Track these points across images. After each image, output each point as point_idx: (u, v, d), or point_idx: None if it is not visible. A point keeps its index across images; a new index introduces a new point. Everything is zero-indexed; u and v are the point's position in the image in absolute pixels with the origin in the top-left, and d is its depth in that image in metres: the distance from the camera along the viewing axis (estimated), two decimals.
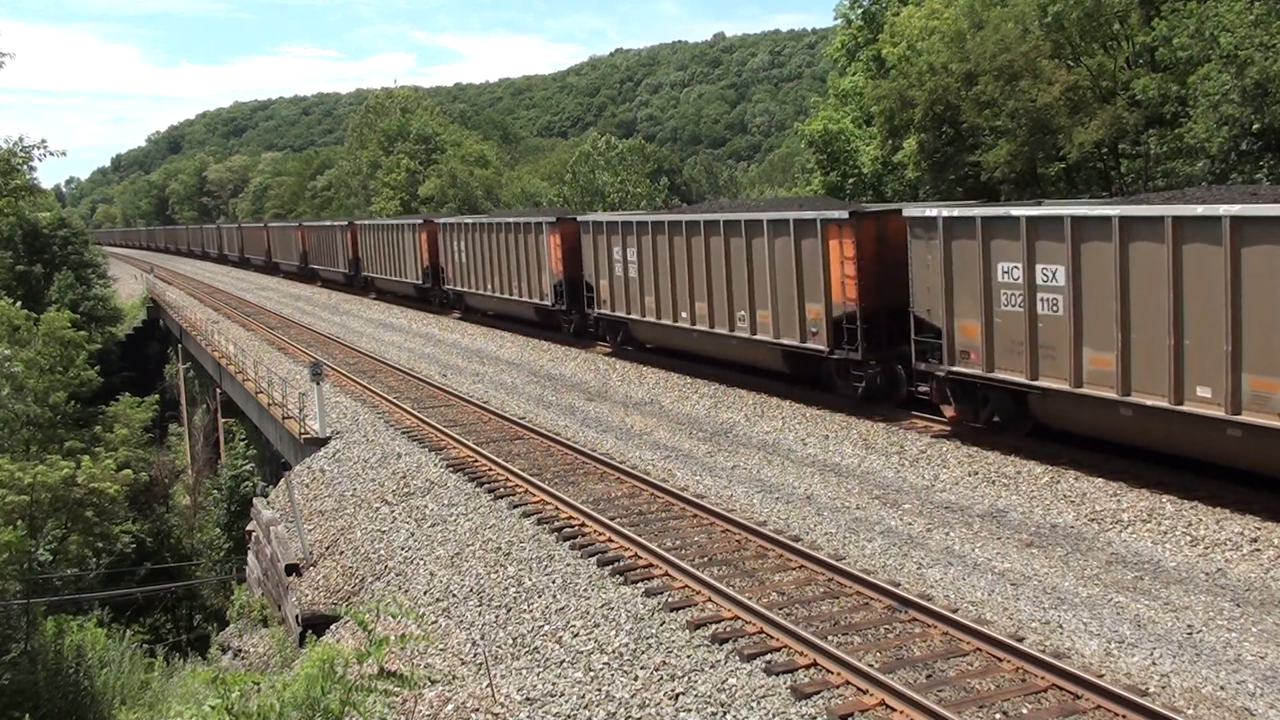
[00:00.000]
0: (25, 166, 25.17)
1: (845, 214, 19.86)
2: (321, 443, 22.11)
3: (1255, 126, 22.88)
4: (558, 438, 19.95)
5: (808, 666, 10.04)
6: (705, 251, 23.68)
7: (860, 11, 42.95)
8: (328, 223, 60.77)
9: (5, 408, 29.68)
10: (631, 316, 27.14)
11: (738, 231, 22.52)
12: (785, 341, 21.51)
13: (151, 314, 64.40)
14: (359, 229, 52.00)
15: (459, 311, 40.74)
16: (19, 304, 36.78)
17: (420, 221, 43.01)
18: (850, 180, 40.97)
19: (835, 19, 45.54)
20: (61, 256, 62.56)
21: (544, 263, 31.61)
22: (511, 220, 34.02)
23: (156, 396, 42.91)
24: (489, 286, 36.23)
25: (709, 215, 23.94)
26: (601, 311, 28.68)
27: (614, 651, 10.91)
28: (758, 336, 22.28)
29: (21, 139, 25.15)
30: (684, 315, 24.88)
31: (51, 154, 25.56)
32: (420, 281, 43.33)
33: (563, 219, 31.13)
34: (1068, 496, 14.66)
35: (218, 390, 40.98)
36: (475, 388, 26.29)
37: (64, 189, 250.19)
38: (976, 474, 16.04)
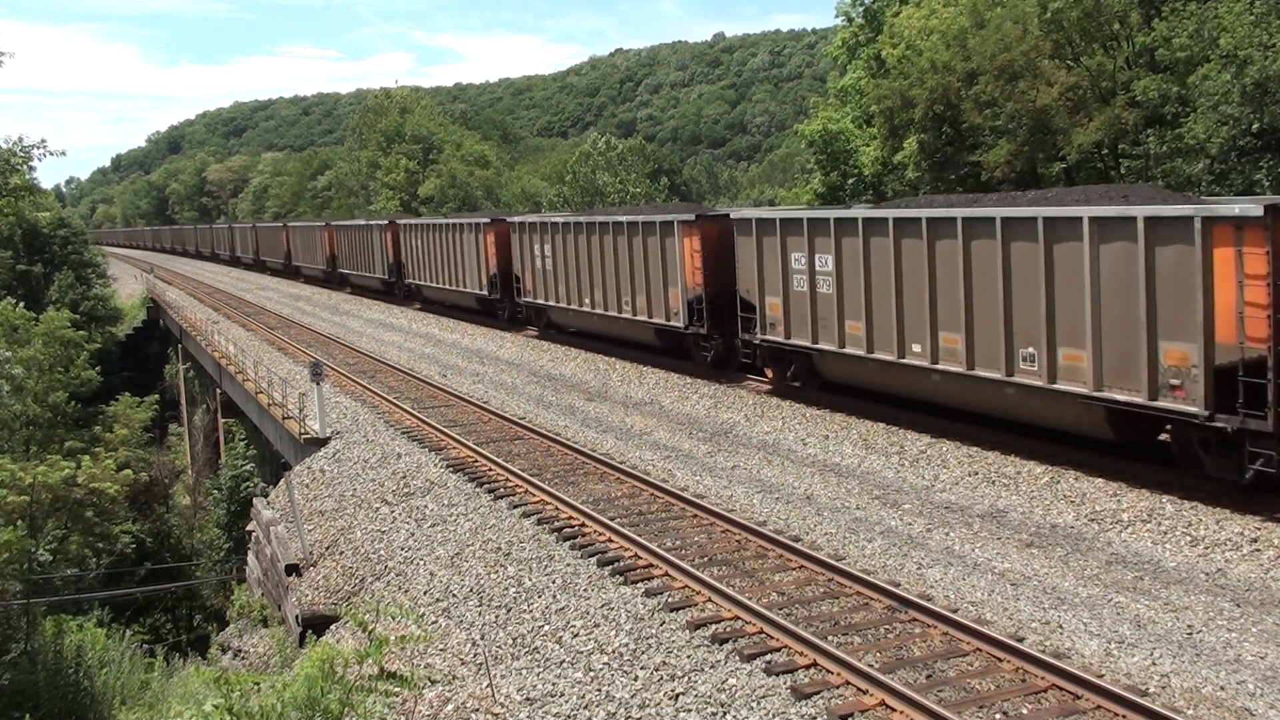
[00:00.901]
0: (25, 166, 25.12)
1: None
2: (321, 443, 22.11)
3: (1255, 126, 22.88)
4: (558, 438, 19.96)
5: (808, 667, 10.04)
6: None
7: (861, 10, 42.95)
8: (362, 222, 53.96)
9: (5, 408, 29.68)
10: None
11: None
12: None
13: (151, 314, 64.42)
14: (403, 229, 45.40)
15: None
16: (22, 305, 36.76)
17: (487, 221, 36.13)
18: (850, 180, 40.98)
19: (836, 17, 45.58)
20: (61, 256, 62.61)
21: (677, 272, 25.17)
22: (654, 219, 26.25)
23: (156, 396, 42.98)
24: (594, 301, 29.24)
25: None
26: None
27: (614, 651, 10.91)
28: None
29: (21, 139, 25.11)
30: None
31: (51, 154, 25.47)
32: (484, 291, 36.60)
33: (703, 216, 24.82)
34: (1068, 496, 14.67)
35: (218, 390, 40.99)
36: (475, 388, 26.30)
37: (64, 189, 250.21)
38: (976, 474, 16.05)
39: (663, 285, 25.51)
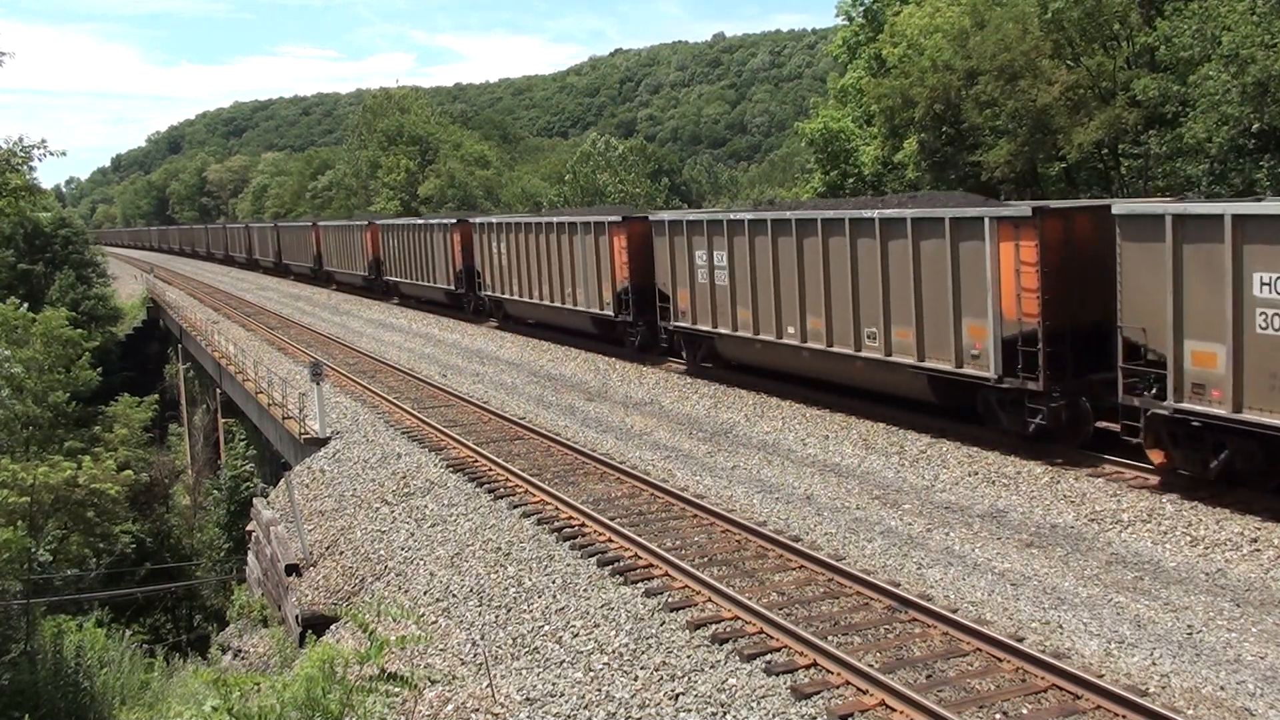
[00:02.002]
0: (25, 167, 25.08)
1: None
2: (321, 443, 22.11)
3: (1255, 126, 22.86)
4: (558, 438, 19.95)
5: (808, 667, 10.04)
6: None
7: (862, 10, 42.94)
8: (418, 221, 46.08)
9: (6, 408, 29.67)
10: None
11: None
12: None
13: (151, 314, 64.44)
14: (475, 229, 37.65)
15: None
16: (25, 305, 36.72)
17: (618, 219, 27.83)
18: (850, 180, 40.96)
19: (836, 16, 45.58)
20: (63, 255, 62.64)
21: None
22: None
23: (156, 396, 43.00)
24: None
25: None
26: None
27: (614, 651, 10.91)
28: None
29: (21, 139, 25.07)
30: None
31: (51, 154, 25.40)
32: (606, 311, 28.57)
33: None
34: (1068, 496, 14.66)
35: (218, 390, 40.98)
36: (475, 388, 26.29)
37: (64, 189, 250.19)
38: (976, 474, 16.05)
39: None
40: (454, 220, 39.64)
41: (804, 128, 43.89)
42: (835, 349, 19.90)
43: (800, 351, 20.95)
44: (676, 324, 24.98)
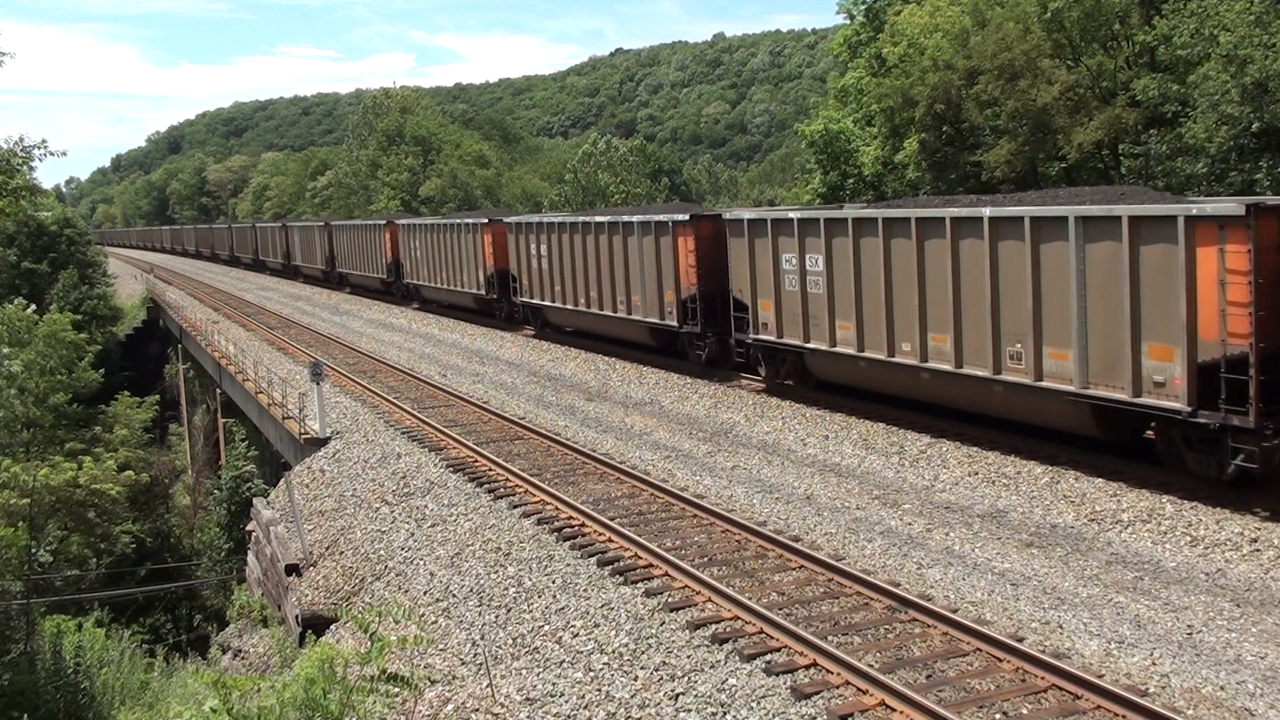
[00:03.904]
0: (25, 167, 25.05)
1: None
2: (321, 443, 22.10)
3: (1255, 126, 22.86)
4: (558, 438, 19.95)
5: (808, 667, 10.04)
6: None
7: (863, 8, 42.94)
8: (444, 221, 41.49)
9: (7, 409, 29.68)
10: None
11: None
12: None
13: (151, 314, 64.43)
14: (510, 230, 34.68)
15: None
16: (32, 307, 36.71)
17: (685, 218, 24.90)
18: (850, 180, 40.96)
19: (837, 13, 45.60)
20: (67, 255, 62.67)
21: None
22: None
23: (156, 396, 42.95)
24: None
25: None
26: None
27: (614, 651, 10.91)
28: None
29: (22, 139, 25.03)
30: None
31: (52, 154, 25.33)
32: (668, 321, 25.78)
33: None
34: (1068, 496, 14.66)
35: (218, 390, 40.97)
36: (475, 388, 26.29)
37: (64, 189, 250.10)
38: (976, 474, 16.04)
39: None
40: (486, 220, 36.52)
41: (804, 128, 43.87)
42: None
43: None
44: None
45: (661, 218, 25.58)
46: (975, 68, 30.29)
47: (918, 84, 32.59)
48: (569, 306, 30.30)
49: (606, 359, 28.49)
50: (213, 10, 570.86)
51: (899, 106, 33.87)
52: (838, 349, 19.89)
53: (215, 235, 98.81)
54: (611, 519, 14.63)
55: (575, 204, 71.27)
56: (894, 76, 34.93)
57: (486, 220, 36.82)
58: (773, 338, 21.79)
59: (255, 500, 23.29)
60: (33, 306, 36.71)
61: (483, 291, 37.30)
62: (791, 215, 21.05)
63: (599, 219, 28.54)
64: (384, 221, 44.79)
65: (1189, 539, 12.91)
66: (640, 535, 13.85)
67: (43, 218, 60.07)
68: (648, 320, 26.33)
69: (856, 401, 20.53)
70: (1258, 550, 12.35)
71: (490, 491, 17.09)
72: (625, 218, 27.28)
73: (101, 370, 39.09)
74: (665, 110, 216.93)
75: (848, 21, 44.38)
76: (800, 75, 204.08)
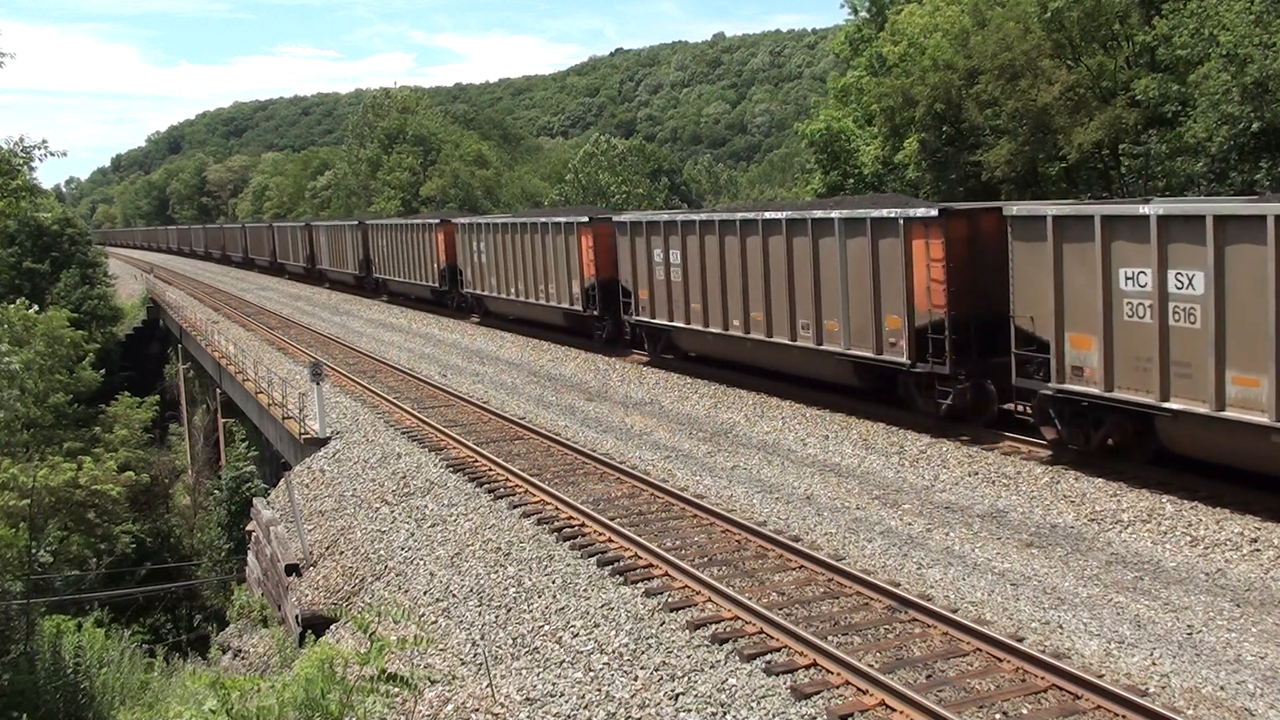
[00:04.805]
0: (26, 167, 25.03)
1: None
2: (321, 443, 22.10)
3: (1255, 126, 22.85)
4: (558, 438, 19.95)
5: (808, 667, 10.04)
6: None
7: (868, 3, 42.94)
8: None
9: (6, 408, 29.64)
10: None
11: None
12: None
13: (151, 314, 64.43)
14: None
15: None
16: (35, 308, 36.66)
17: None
18: (850, 180, 40.95)
19: (841, 6, 45.73)
20: (68, 255, 62.67)
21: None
22: None
23: (156, 396, 42.91)
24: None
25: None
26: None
27: (614, 651, 10.91)
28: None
29: (22, 139, 25.01)
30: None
31: (52, 154, 25.30)
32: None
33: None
34: (1068, 496, 14.66)
35: (218, 390, 40.96)
36: (475, 388, 26.28)
37: (64, 189, 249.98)
38: (976, 474, 16.04)
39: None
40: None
41: (805, 128, 43.87)
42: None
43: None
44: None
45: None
46: (975, 67, 30.28)
47: (918, 84, 32.58)
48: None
49: (606, 359, 28.51)
50: (213, 10, 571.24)
51: (899, 106, 33.86)
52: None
53: (227, 236, 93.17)
54: (611, 519, 14.63)
55: (576, 204, 71.24)
56: (894, 76, 34.93)
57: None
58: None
59: (255, 500, 23.29)
60: (35, 307, 36.64)
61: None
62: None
63: (522, 220, 33.29)
64: (437, 220, 40.20)
65: (1189, 539, 12.91)
66: (640, 535, 13.85)
67: (43, 218, 60.09)
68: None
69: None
70: (1258, 550, 12.35)
71: (490, 491, 17.08)
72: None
73: (102, 370, 39.07)
74: (665, 110, 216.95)
75: (851, 17, 44.42)
76: (800, 75, 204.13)
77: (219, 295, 58.53)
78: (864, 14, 43.21)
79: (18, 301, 36.10)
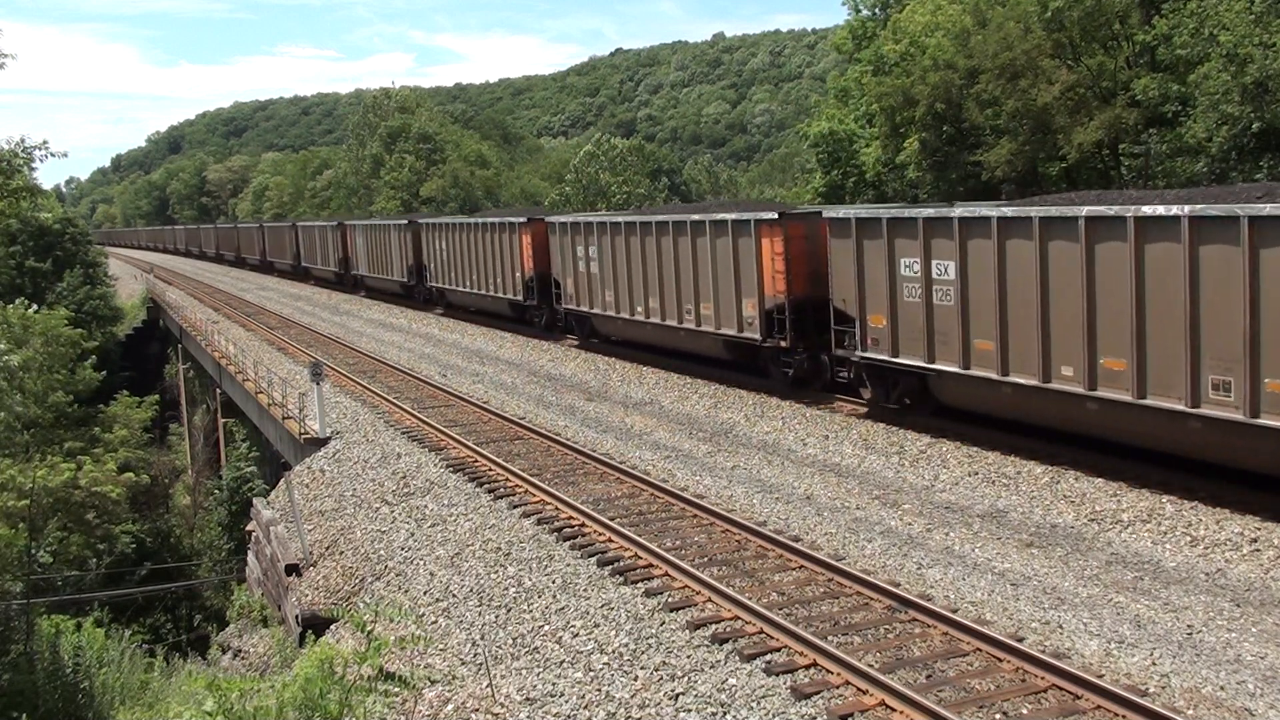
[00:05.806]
0: (26, 167, 25.01)
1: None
2: (321, 443, 22.09)
3: (1255, 126, 22.86)
4: (558, 438, 19.94)
5: (808, 667, 10.03)
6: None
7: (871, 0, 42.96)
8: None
9: (6, 408, 29.63)
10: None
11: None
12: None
13: (151, 314, 64.42)
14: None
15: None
16: (35, 307, 36.64)
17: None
18: (851, 180, 40.97)
19: (842, 3, 45.70)
20: (70, 254, 62.67)
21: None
22: None
23: (156, 396, 42.91)
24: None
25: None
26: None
27: (614, 651, 10.90)
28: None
29: (23, 140, 24.99)
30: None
31: (53, 155, 25.28)
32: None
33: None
34: (1068, 496, 14.65)
35: (218, 390, 40.94)
36: (475, 388, 26.28)
37: (64, 189, 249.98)
38: (976, 474, 16.04)
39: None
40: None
41: (806, 128, 43.86)
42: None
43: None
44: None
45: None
46: (976, 67, 30.29)
47: (918, 83, 32.59)
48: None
49: (606, 359, 28.50)
50: (213, 10, 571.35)
51: (899, 106, 33.87)
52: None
53: (241, 236, 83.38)
54: (611, 519, 14.62)
55: (576, 204, 71.26)
56: (894, 75, 34.93)
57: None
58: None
59: (255, 500, 23.28)
60: (35, 306, 36.63)
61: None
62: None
63: (470, 221, 37.89)
64: (523, 219, 33.36)
65: (1189, 539, 12.91)
66: (640, 535, 13.84)
67: (45, 218, 60.09)
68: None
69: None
70: (1258, 550, 12.34)
71: (490, 491, 17.08)
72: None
73: (102, 370, 39.06)
74: (665, 110, 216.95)
75: (851, 15, 44.39)
76: (800, 75, 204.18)
77: (219, 295, 58.53)
78: (865, 11, 43.18)
79: (17, 301, 36.09)
